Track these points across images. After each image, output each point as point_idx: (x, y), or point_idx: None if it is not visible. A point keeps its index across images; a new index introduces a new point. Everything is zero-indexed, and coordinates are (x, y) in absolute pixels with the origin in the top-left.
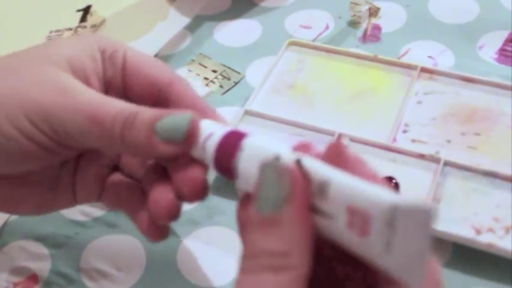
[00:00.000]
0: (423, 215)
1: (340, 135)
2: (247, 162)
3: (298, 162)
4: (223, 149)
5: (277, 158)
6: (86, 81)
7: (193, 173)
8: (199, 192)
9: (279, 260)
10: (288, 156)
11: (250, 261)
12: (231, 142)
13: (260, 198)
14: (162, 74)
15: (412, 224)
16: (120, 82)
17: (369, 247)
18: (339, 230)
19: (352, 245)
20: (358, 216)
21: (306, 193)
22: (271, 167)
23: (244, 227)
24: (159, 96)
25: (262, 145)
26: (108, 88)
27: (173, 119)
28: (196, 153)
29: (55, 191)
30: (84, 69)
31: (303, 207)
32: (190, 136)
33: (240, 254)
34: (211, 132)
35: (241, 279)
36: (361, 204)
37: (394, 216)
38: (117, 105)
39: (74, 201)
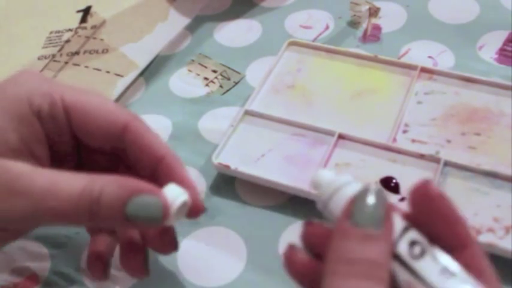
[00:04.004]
0: None
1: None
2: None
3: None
4: None
5: (380, 189)
6: (31, 153)
7: (167, 236)
8: (172, 249)
9: (374, 270)
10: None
11: (345, 267)
12: None
13: (361, 216)
14: (116, 118)
15: None
16: (69, 135)
17: None
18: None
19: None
20: None
21: (393, 231)
22: (374, 193)
23: (337, 237)
24: (116, 141)
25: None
26: (57, 144)
27: (143, 203)
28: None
29: None
30: (23, 142)
31: (393, 233)
32: (163, 220)
33: (329, 259)
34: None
35: (334, 283)
36: None
37: None
38: (73, 189)
39: None
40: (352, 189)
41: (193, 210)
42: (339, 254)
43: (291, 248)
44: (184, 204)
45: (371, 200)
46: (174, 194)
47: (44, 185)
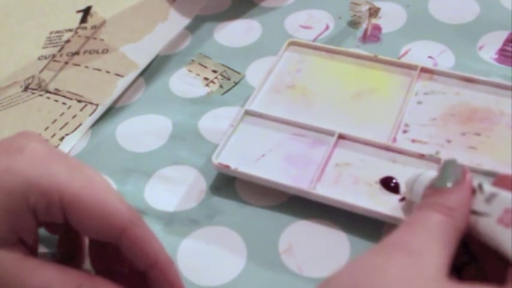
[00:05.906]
0: None
1: None
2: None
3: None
4: None
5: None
6: (20, 241)
7: None
8: None
9: (446, 210)
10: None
11: (425, 205)
12: None
13: (437, 180)
14: (114, 222)
15: None
16: (63, 222)
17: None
18: (490, 224)
19: (496, 235)
20: (510, 214)
21: (470, 189)
22: (452, 163)
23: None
24: (112, 240)
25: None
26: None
27: None
28: None
29: None
30: (13, 233)
31: (467, 191)
32: None
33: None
34: None
35: (416, 211)
36: None
37: None
38: None
39: None
40: (426, 175)
41: None
42: (422, 203)
43: None
44: None
45: (444, 168)
46: None
47: (35, 285)
